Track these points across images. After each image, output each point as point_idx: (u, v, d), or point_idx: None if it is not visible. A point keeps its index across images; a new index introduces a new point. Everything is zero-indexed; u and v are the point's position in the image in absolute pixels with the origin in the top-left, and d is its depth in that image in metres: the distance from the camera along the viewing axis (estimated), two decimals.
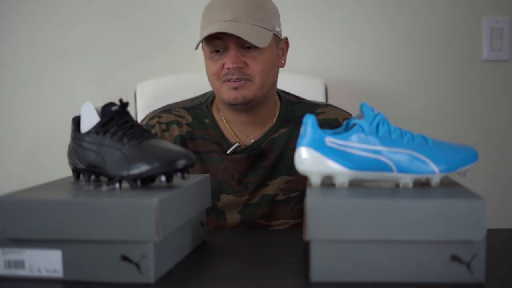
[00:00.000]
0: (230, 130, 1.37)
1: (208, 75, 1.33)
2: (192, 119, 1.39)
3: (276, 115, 1.39)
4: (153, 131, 1.37)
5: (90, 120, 0.95)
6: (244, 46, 1.27)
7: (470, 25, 1.91)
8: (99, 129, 0.93)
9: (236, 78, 1.27)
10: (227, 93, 1.29)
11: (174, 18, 1.90)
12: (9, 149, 1.97)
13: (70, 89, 1.94)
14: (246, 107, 1.31)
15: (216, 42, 1.27)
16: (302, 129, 0.90)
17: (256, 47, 1.27)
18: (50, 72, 1.94)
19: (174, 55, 1.91)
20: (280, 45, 1.36)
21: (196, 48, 1.32)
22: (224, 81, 1.28)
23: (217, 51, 1.28)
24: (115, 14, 1.92)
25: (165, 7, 1.91)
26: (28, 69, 1.95)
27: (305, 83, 1.71)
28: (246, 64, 1.27)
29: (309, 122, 0.90)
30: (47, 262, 0.84)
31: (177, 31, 1.90)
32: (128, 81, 1.88)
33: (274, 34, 1.31)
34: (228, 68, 1.27)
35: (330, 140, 0.89)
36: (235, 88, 1.28)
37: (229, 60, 1.26)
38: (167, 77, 1.78)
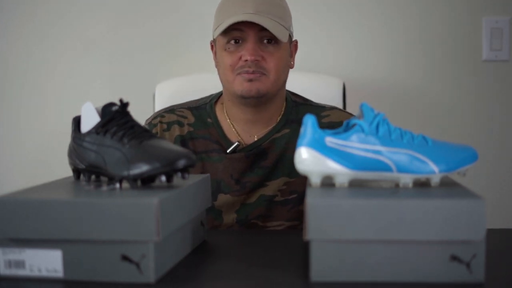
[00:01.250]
0: (233, 129, 1.37)
1: (220, 68, 1.33)
2: (195, 119, 1.39)
3: (280, 115, 1.39)
4: (154, 130, 1.38)
5: (90, 120, 0.95)
6: (262, 40, 1.28)
7: (470, 25, 1.91)
8: (99, 129, 0.94)
9: (253, 71, 1.27)
10: (241, 85, 1.28)
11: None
12: (15, 148, 1.98)
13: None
14: (256, 101, 1.31)
15: (234, 33, 1.28)
16: (302, 129, 0.91)
17: (274, 42, 1.28)
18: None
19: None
20: (291, 46, 1.37)
21: (214, 37, 1.32)
22: (239, 74, 1.28)
23: (236, 41, 1.28)
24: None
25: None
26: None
27: (323, 82, 1.71)
28: (263, 58, 1.28)
29: (309, 122, 0.90)
30: (47, 262, 0.84)
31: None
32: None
33: (289, 35, 1.32)
34: (246, 60, 1.26)
35: (330, 140, 0.89)
36: (250, 80, 1.27)
37: (247, 52, 1.26)
38: (186, 78, 1.78)
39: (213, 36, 1.34)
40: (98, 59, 1.95)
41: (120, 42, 1.94)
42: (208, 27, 1.36)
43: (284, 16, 1.30)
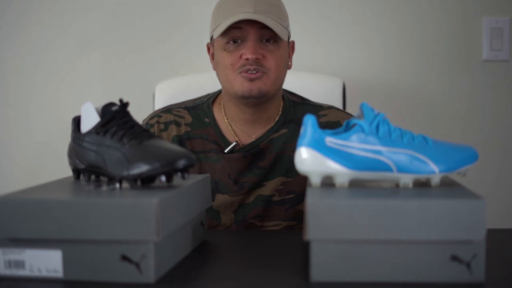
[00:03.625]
0: (230, 128, 1.37)
1: (220, 68, 1.32)
2: (192, 119, 1.39)
3: (278, 115, 1.39)
4: (151, 130, 1.37)
5: (90, 120, 0.95)
6: (262, 39, 1.28)
7: (470, 25, 1.91)
8: (99, 129, 0.93)
9: (254, 69, 1.27)
10: (242, 84, 1.28)
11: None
12: (15, 148, 1.98)
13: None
14: (256, 101, 1.31)
15: (234, 33, 1.28)
16: (302, 129, 0.91)
17: (274, 41, 1.28)
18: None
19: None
20: (289, 47, 1.37)
21: (213, 38, 1.31)
22: (240, 73, 1.28)
23: (234, 41, 1.28)
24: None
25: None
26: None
27: (323, 82, 1.71)
28: (263, 56, 1.28)
29: (309, 122, 0.90)
30: (47, 262, 0.84)
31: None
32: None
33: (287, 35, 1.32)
34: (247, 59, 1.26)
35: (330, 140, 0.89)
36: (251, 80, 1.27)
37: (248, 50, 1.26)
38: (186, 78, 1.78)
39: (212, 37, 1.34)
40: (98, 59, 1.95)
41: (120, 42, 1.94)
42: (208, 27, 1.35)
43: (282, 16, 1.31)
